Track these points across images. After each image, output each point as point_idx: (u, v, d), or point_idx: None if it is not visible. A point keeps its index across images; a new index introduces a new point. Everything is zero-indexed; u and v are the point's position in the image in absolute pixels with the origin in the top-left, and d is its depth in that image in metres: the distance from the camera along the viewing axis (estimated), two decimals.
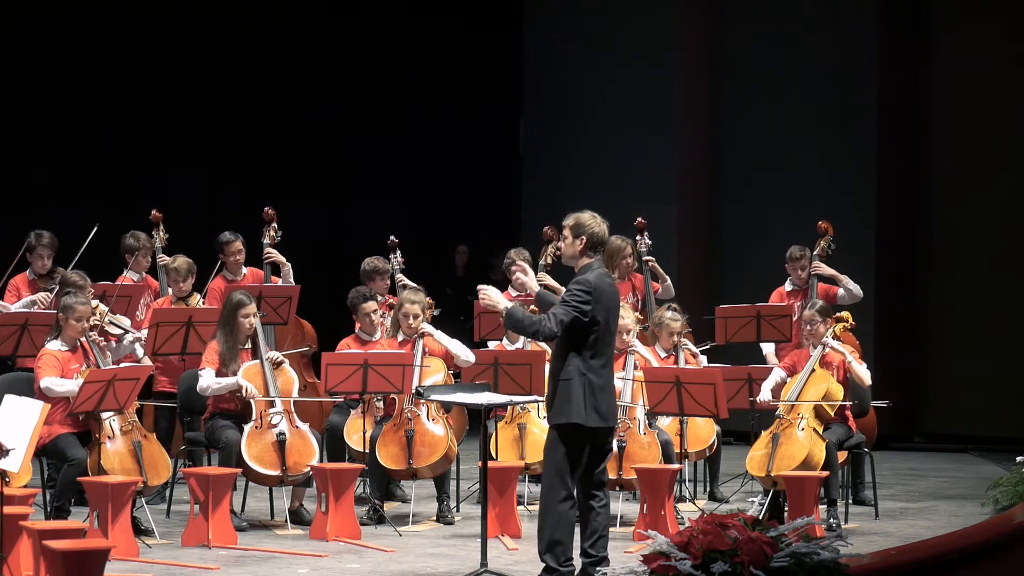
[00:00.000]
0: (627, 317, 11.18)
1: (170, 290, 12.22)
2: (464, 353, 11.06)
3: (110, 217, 12.52)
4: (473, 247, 17.27)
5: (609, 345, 8.57)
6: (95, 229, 11.69)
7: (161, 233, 12.43)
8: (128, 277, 12.09)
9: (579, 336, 8.44)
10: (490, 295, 8.68)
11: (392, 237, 12.52)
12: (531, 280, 9.15)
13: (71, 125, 15.68)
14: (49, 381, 10.06)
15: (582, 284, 8.45)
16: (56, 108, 15.64)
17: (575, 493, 8.53)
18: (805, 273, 12.48)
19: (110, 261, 12.25)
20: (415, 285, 11.89)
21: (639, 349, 11.26)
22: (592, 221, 8.59)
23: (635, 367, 11.09)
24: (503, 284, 12.42)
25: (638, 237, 12.82)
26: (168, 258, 12.28)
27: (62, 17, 15.78)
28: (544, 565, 8.49)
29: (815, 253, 12.46)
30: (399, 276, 12.32)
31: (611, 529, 8.94)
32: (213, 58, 16.53)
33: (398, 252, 12.45)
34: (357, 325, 11.54)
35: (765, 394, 11.00)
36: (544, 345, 11.61)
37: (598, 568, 8.50)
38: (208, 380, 10.63)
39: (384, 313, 11.55)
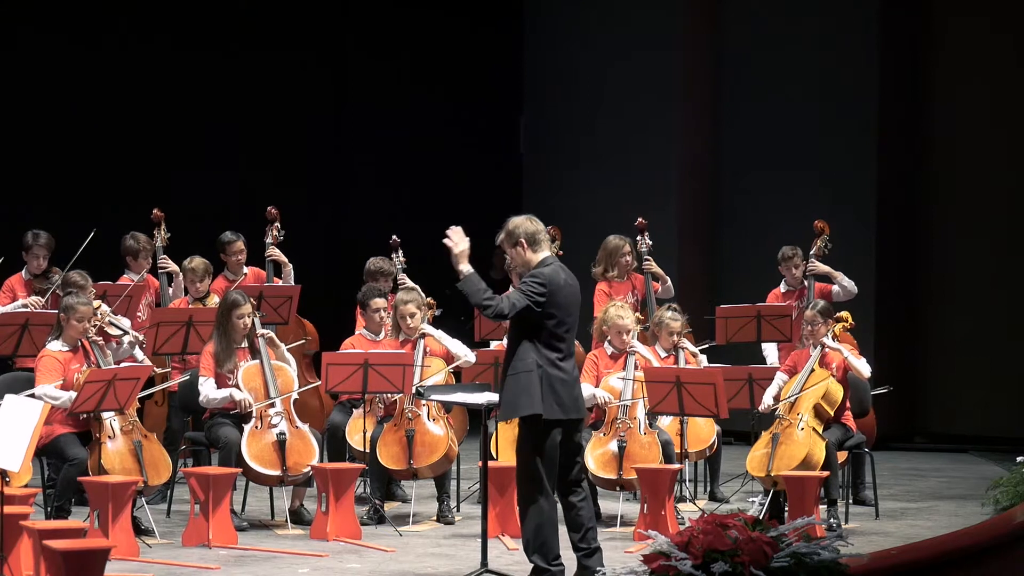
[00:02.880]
0: (627, 317, 11.18)
1: (171, 291, 12.23)
2: (465, 353, 11.06)
3: (111, 216, 12.52)
4: (473, 247, 17.23)
5: (566, 339, 8.47)
6: (91, 235, 11.69)
7: (163, 232, 12.42)
8: (129, 277, 12.09)
9: (533, 329, 8.38)
10: (462, 247, 8.52)
11: (394, 236, 12.49)
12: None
13: (70, 123, 15.67)
14: (44, 389, 10.02)
15: (537, 276, 8.41)
16: (55, 106, 15.63)
17: (551, 492, 8.44)
18: (799, 272, 12.49)
19: (111, 261, 12.25)
20: (413, 284, 11.90)
21: (640, 349, 11.26)
22: (517, 220, 8.57)
23: (636, 367, 11.09)
24: (503, 283, 12.41)
25: (639, 237, 12.82)
26: (169, 259, 12.29)
27: (61, 15, 15.78)
28: (532, 566, 8.45)
29: (811, 253, 12.47)
30: (401, 276, 12.31)
31: (612, 529, 8.96)
32: (213, 55, 16.52)
33: (400, 251, 12.42)
34: (360, 324, 11.54)
35: (768, 401, 11.00)
36: None
37: (598, 569, 8.48)
38: (207, 393, 10.60)
39: (388, 313, 11.53)
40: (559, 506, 8.57)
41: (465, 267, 8.51)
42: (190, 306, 11.85)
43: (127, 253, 12.19)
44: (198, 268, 12.05)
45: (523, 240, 8.52)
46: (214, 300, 12.02)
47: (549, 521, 8.43)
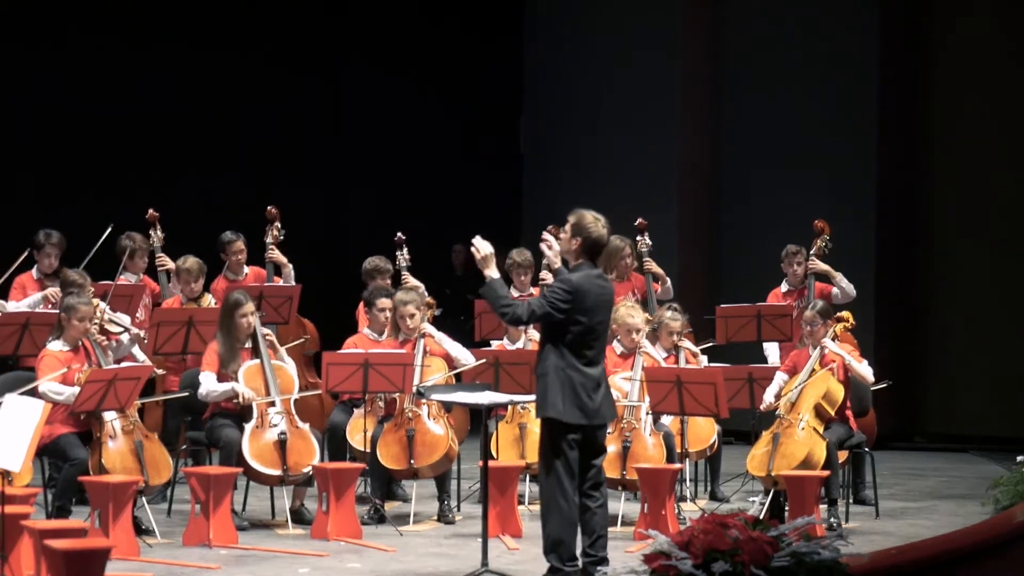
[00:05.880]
0: (637, 316, 11.16)
1: (171, 290, 12.22)
2: (465, 356, 11.05)
3: (110, 217, 12.51)
4: (472, 247, 17.23)
5: (594, 346, 8.46)
6: (108, 229, 11.72)
7: (158, 233, 12.42)
8: (124, 278, 12.08)
9: (558, 333, 8.41)
10: (485, 251, 8.56)
11: (399, 234, 12.44)
12: (553, 255, 8.77)
13: (71, 124, 15.68)
14: (47, 386, 10.04)
15: (563, 283, 8.41)
16: (54, 107, 15.64)
17: (571, 492, 8.47)
18: (801, 269, 12.49)
19: (108, 262, 12.25)
20: (417, 283, 11.88)
21: (648, 349, 11.25)
22: (594, 224, 8.49)
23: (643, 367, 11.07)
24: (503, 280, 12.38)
25: (639, 237, 12.82)
26: (167, 258, 12.29)
27: (62, 17, 15.79)
28: (549, 566, 8.48)
29: (812, 252, 12.48)
30: (405, 273, 12.28)
31: (612, 529, 8.97)
32: (213, 58, 16.54)
33: (404, 248, 12.38)
34: (363, 324, 11.53)
35: (769, 399, 11.00)
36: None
37: (598, 568, 8.50)
38: (208, 386, 10.62)
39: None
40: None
41: (490, 272, 8.56)
42: (184, 306, 11.83)
43: (122, 253, 12.17)
44: (192, 268, 12.01)
45: (582, 240, 8.48)
46: (208, 300, 12.02)
47: (568, 521, 8.45)
